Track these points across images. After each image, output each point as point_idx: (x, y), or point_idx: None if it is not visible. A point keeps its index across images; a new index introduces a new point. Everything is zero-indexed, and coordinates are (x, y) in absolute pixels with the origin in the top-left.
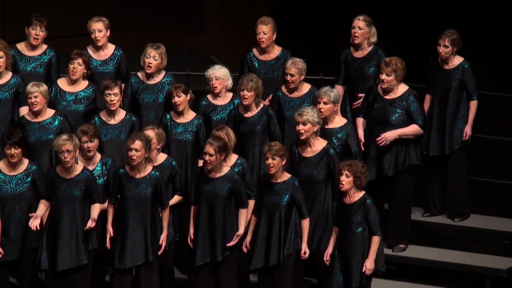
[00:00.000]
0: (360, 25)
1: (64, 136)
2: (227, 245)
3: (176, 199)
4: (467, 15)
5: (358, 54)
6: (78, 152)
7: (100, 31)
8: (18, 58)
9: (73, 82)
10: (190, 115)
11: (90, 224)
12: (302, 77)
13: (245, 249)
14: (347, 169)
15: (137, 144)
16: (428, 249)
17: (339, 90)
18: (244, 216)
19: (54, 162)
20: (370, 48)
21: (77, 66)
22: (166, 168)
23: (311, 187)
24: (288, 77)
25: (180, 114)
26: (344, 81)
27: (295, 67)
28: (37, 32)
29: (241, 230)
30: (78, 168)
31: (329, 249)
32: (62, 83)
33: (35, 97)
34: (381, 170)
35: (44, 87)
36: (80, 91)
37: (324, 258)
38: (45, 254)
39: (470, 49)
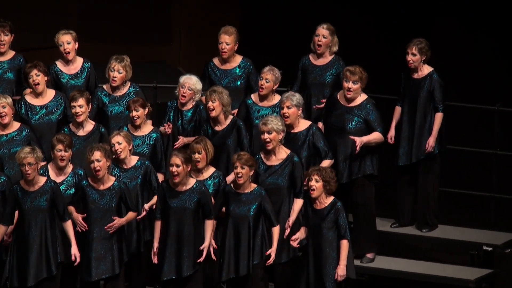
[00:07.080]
0: (324, 33)
1: (27, 149)
2: (198, 260)
3: (156, 199)
4: (436, 26)
5: (319, 62)
6: (40, 165)
7: (68, 43)
8: None
9: (39, 94)
10: (147, 128)
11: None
12: (276, 86)
13: (214, 257)
14: (316, 174)
15: (97, 154)
16: (396, 260)
17: None
18: (210, 227)
19: None
20: (331, 57)
21: (36, 78)
22: (141, 167)
23: (276, 195)
24: (263, 82)
25: (137, 127)
26: (299, 89)
27: (272, 73)
28: (1, 38)
29: (206, 243)
30: (42, 179)
31: (300, 234)
32: (29, 98)
33: (3, 107)
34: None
35: (10, 99)
36: (49, 102)
37: (291, 243)
38: (15, 270)
39: (440, 59)
